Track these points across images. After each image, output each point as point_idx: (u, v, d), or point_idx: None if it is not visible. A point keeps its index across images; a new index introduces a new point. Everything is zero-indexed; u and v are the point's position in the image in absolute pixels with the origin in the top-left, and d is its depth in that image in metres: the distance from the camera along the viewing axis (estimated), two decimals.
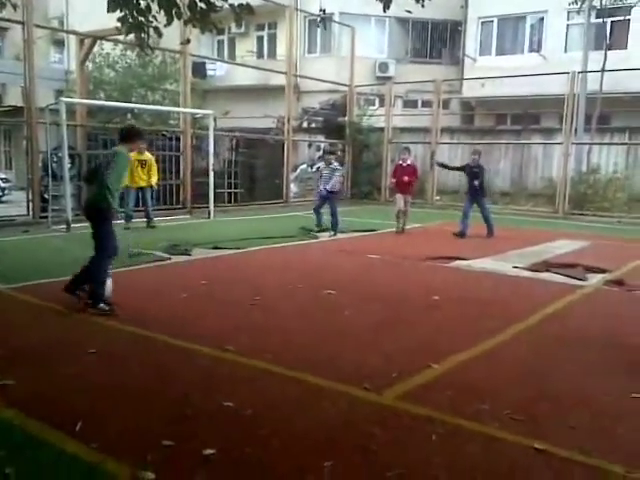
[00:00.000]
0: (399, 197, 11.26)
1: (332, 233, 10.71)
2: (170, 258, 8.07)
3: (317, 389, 3.74)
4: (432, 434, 3.14)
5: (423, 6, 6.06)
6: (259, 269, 7.68)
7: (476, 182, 10.83)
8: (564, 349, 4.65)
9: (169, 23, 5.28)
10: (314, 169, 18.99)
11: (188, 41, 8.20)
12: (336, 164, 11.23)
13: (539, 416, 3.42)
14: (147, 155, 11.10)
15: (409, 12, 6.48)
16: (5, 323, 5.09)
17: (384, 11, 6.12)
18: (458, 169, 12.07)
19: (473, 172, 10.99)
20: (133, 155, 10.46)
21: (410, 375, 3.97)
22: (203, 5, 5.30)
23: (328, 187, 10.80)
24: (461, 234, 10.73)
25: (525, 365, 4.30)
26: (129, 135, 5.70)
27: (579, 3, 17.18)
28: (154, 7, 5.29)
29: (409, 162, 11.31)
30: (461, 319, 5.45)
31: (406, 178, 11.14)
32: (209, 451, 2.90)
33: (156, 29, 5.42)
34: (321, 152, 19.92)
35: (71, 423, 3.15)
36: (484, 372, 4.11)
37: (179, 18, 5.36)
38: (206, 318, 5.28)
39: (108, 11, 5.24)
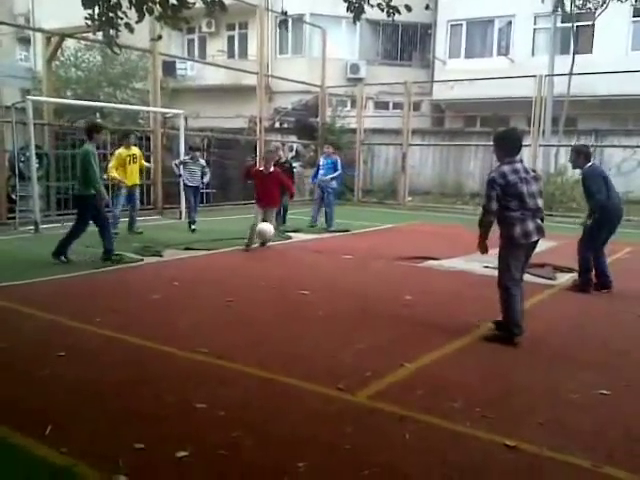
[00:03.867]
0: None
1: (192, 229, 10.68)
2: (142, 259, 7.97)
3: (291, 390, 3.74)
4: (405, 433, 3.17)
5: (394, 18, 6.10)
6: (232, 270, 7.64)
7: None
8: (533, 346, 4.74)
9: (140, 19, 5.20)
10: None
11: (160, 37, 8.09)
12: (202, 160, 11.31)
13: (509, 413, 3.48)
14: (135, 149, 10.50)
15: (393, 13, 6.51)
16: None
17: (354, 22, 6.19)
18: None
19: None
20: (122, 151, 10.19)
21: (383, 374, 4.00)
22: (174, 1, 5.26)
23: (205, 180, 11.02)
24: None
25: (496, 363, 4.37)
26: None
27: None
28: (125, 3, 5.21)
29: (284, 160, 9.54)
30: (433, 318, 5.50)
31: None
32: (182, 453, 2.88)
33: (127, 25, 5.34)
34: (294, 152, 19.93)
35: (41, 427, 3.09)
36: (456, 370, 4.17)
37: (150, 14, 5.29)
38: (178, 319, 5.23)
39: (85, 8, 5.15)
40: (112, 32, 5.53)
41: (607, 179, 6.64)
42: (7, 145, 11.16)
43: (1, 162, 11.17)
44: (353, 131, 18.29)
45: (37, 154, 10.98)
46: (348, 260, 8.47)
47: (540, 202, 4.84)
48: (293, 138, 19.69)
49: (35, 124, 10.84)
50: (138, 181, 10.49)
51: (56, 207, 12.20)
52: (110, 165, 10.11)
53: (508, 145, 4.90)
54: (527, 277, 7.30)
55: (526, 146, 15.99)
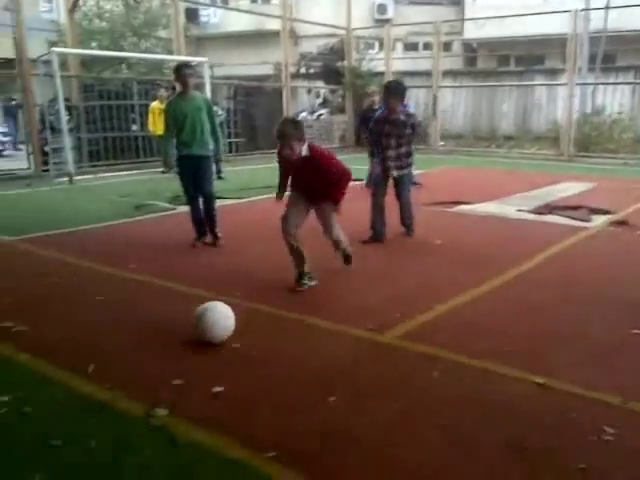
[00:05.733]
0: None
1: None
2: (175, 208, 8.07)
3: (322, 330, 3.81)
4: (433, 370, 3.22)
5: None
6: (259, 216, 7.67)
7: None
8: (565, 288, 4.70)
9: None
10: (314, 116, 18.74)
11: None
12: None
13: (539, 352, 3.48)
14: None
15: None
16: (13, 274, 5.16)
17: None
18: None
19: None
20: (156, 105, 11.41)
21: (412, 316, 4.03)
22: None
23: None
24: None
25: (526, 304, 4.34)
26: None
27: None
28: None
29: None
30: (464, 262, 5.47)
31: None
32: (218, 389, 2.99)
33: None
34: (321, 99, 19.62)
35: (84, 365, 3.24)
36: (486, 312, 4.17)
37: None
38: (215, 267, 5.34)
39: None
40: None
41: None
42: (37, 99, 11.25)
43: (32, 115, 11.30)
44: (382, 74, 17.86)
45: (67, 107, 11.06)
46: None
47: None
48: (320, 84, 19.35)
49: (62, 77, 10.86)
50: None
51: (88, 159, 12.37)
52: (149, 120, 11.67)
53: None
54: (562, 220, 7.23)
55: (562, 85, 15.54)
